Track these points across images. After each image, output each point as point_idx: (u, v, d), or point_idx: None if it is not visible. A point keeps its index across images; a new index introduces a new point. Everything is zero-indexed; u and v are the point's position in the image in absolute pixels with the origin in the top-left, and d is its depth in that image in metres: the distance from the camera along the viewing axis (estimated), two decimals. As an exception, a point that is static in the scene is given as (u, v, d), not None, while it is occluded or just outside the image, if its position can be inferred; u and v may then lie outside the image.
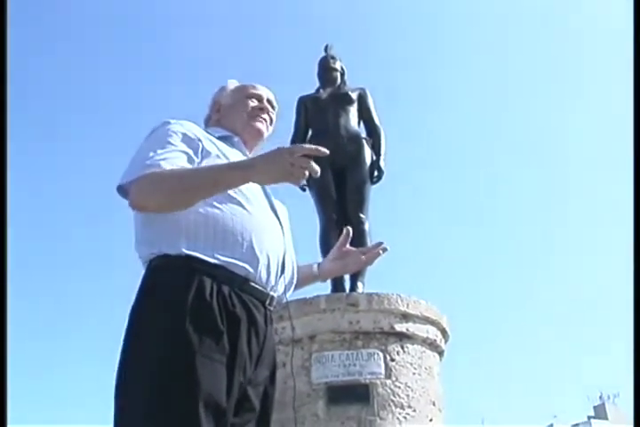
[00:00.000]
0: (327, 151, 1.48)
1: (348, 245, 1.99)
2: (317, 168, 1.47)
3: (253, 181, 1.58)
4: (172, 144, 1.66)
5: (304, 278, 1.96)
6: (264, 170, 1.50)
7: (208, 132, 1.83)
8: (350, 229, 2.01)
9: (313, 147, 1.49)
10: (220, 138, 1.84)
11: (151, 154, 1.62)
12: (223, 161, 1.70)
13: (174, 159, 1.62)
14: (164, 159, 1.60)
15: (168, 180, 1.56)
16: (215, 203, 1.61)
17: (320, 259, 2.16)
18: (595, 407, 34.05)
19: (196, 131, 1.75)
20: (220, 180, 1.56)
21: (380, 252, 1.97)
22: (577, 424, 32.72)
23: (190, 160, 1.66)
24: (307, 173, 1.47)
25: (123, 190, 1.63)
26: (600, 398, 34.57)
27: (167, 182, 1.56)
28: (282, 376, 1.90)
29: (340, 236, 2.03)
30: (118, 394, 1.51)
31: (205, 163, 1.67)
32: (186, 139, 1.70)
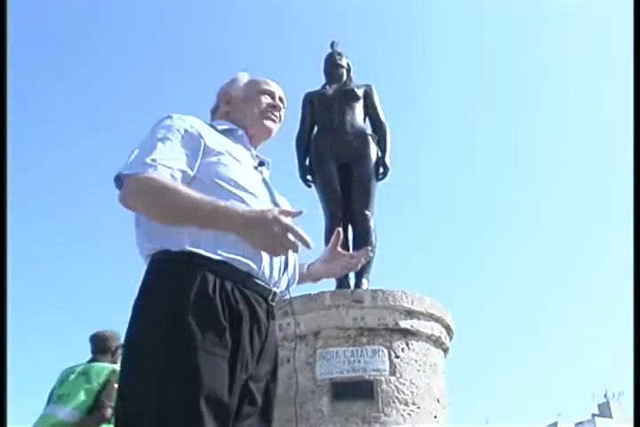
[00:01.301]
0: (311, 246, 1.57)
1: (339, 248, 1.97)
2: (297, 247, 1.55)
3: (242, 236, 1.57)
4: (173, 142, 1.67)
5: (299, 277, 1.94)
6: (256, 233, 1.54)
7: (211, 126, 1.83)
8: (341, 230, 1.99)
9: (302, 234, 1.55)
10: (224, 131, 1.84)
11: (152, 150, 1.63)
12: (227, 157, 1.71)
13: (174, 160, 1.63)
14: (163, 159, 1.62)
15: (166, 196, 1.57)
16: (217, 200, 1.61)
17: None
18: (599, 405, 33.97)
19: (198, 126, 1.75)
20: (216, 221, 1.56)
21: (362, 260, 1.96)
22: (581, 422, 32.66)
23: (190, 159, 1.66)
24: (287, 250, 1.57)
25: (119, 180, 1.65)
26: (605, 396, 34.50)
27: (164, 198, 1.57)
28: (287, 372, 1.91)
29: (345, 232, 2.03)
30: (122, 388, 1.52)
31: (208, 160, 1.68)
32: (187, 136, 1.70)
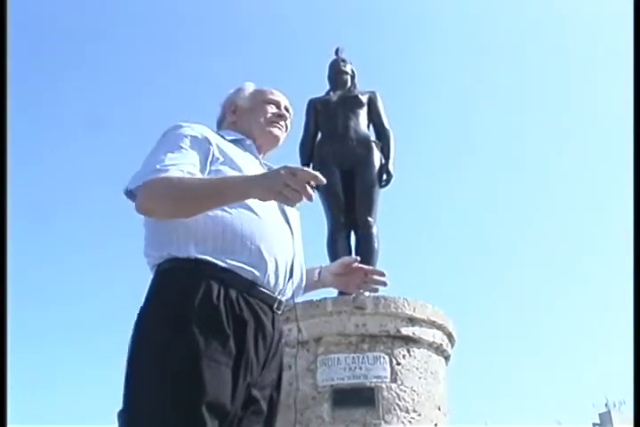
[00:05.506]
0: (324, 180, 1.45)
1: (355, 264, 1.93)
2: (311, 194, 1.43)
3: (253, 197, 1.53)
4: (183, 148, 1.67)
5: (308, 284, 1.93)
6: (261, 185, 1.47)
7: (220, 135, 1.84)
8: (359, 258, 1.97)
9: (314, 173, 1.45)
10: (232, 141, 1.84)
11: (162, 157, 1.63)
12: (234, 165, 1.71)
13: (184, 165, 1.63)
14: (173, 164, 1.61)
15: (175, 186, 1.57)
16: (225, 207, 1.62)
17: (327, 261, 2.15)
18: (600, 415, 33.77)
19: (207, 134, 1.75)
20: (224, 192, 1.55)
21: (380, 286, 1.93)
22: (582, 431, 32.53)
23: (201, 165, 1.67)
24: (301, 196, 1.43)
25: (131, 193, 1.64)
26: (606, 405, 34.31)
27: (174, 189, 1.56)
28: (287, 378, 1.91)
29: (348, 239, 2.05)
30: (125, 396, 1.52)
31: (216, 167, 1.69)
32: (197, 143, 1.70)
